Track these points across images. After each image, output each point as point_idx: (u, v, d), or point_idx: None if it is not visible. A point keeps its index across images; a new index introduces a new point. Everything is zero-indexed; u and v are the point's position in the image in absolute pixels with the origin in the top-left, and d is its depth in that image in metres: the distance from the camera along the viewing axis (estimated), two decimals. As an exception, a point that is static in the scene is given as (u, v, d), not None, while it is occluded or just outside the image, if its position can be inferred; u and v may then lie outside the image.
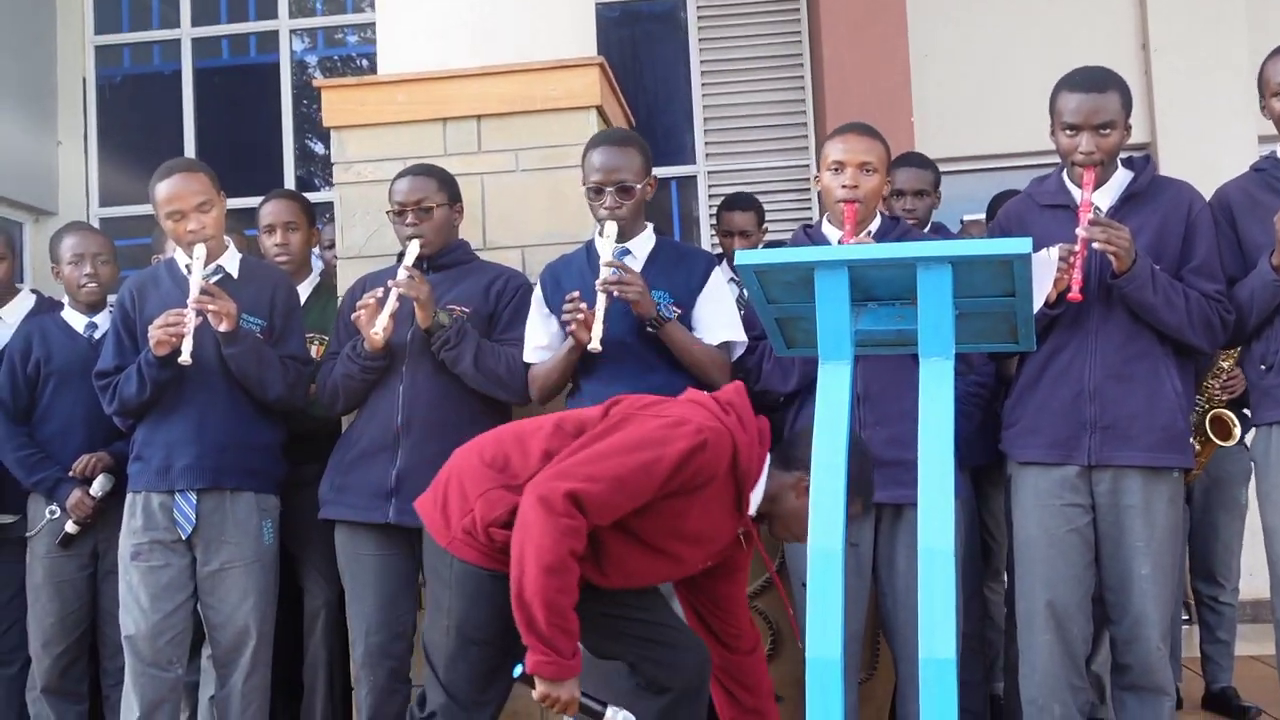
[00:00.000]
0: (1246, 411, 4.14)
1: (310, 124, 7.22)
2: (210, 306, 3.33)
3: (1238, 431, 3.76)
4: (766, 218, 5.04)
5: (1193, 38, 6.39)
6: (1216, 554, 4.31)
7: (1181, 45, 6.41)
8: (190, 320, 3.31)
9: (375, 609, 3.40)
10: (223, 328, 3.37)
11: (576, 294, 3.16)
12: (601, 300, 3.15)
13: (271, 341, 3.56)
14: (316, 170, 7.26)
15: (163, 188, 3.46)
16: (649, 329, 3.22)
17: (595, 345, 3.11)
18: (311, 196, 4.61)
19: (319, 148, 7.24)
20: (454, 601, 2.68)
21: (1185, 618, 4.76)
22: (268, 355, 3.48)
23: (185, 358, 3.28)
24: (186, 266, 3.45)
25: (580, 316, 3.13)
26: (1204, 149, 5.95)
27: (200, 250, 3.41)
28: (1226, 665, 4.40)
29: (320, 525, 3.60)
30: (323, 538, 3.64)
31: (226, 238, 3.64)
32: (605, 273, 3.15)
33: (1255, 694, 4.35)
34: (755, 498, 2.70)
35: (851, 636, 3.08)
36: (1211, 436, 3.71)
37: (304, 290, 4.18)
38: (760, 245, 4.77)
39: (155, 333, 3.33)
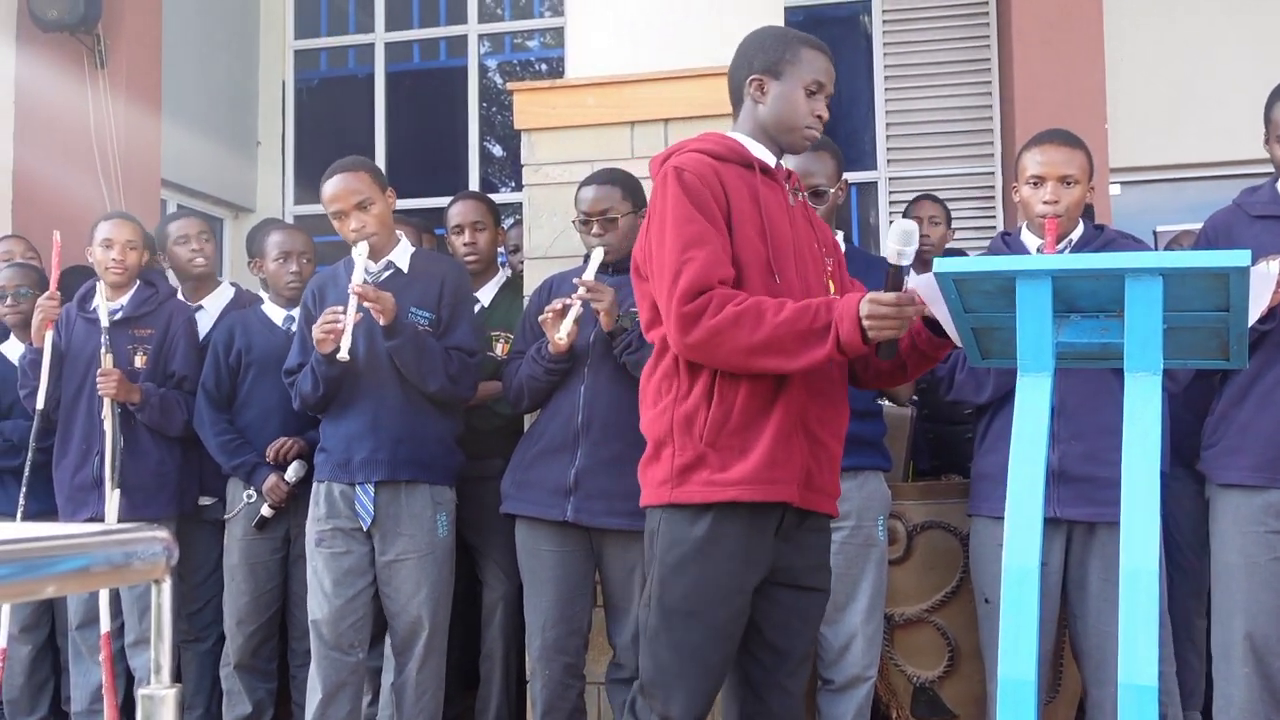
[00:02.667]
0: None
1: (491, 127, 7.37)
2: (366, 304, 3.42)
3: None
4: (952, 224, 5.01)
5: None
6: None
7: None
8: (350, 317, 3.40)
9: (552, 604, 3.44)
10: (382, 322, 3.45)
11: None
12: None
13: (438, 333, 3.62)
14: (494, 172, 7.41)
15: (327, 188, 3.58)
16: None
17: None
18: (500, 199, 4.70)
19: (497, 150, 7.39)
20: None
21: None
22: (429, 347, 3.54)
23: (344, 354, 3.37)
24: None
25: None
26: None
27: (362, 247, 3.51)
28: None
29: (500, 520, 3.67)
30: (503, 532, 3.70)
31: (399, 232, 3.74)
32: None
33: None
34: (756, 150, 2.56)
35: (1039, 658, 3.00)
36: None
37: (491, 289, 4.27)
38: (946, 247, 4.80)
39: (316, 332, 3.45)
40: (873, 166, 6.75)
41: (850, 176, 6.61)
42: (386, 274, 3.63)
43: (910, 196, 5.90)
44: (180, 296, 4.46)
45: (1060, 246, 3.09)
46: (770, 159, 2.58)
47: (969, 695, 3.43)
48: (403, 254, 3.70)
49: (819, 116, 2.57)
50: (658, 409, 2.46)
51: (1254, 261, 2.12)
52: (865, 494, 3.20)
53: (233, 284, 4.76)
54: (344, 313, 3.41)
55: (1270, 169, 3.08)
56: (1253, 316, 2.17)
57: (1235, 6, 6.28)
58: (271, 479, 3.97)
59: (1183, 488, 3.78)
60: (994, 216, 6.42)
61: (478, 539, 3.94)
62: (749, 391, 2.39)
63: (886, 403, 3.44)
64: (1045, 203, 3.06)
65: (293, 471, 3.96)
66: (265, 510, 3.99)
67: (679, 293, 2.33)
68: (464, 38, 7.38)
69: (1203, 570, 3.69)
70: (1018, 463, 2.12)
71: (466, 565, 3.91)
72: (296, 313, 4.15)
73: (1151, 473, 2.03)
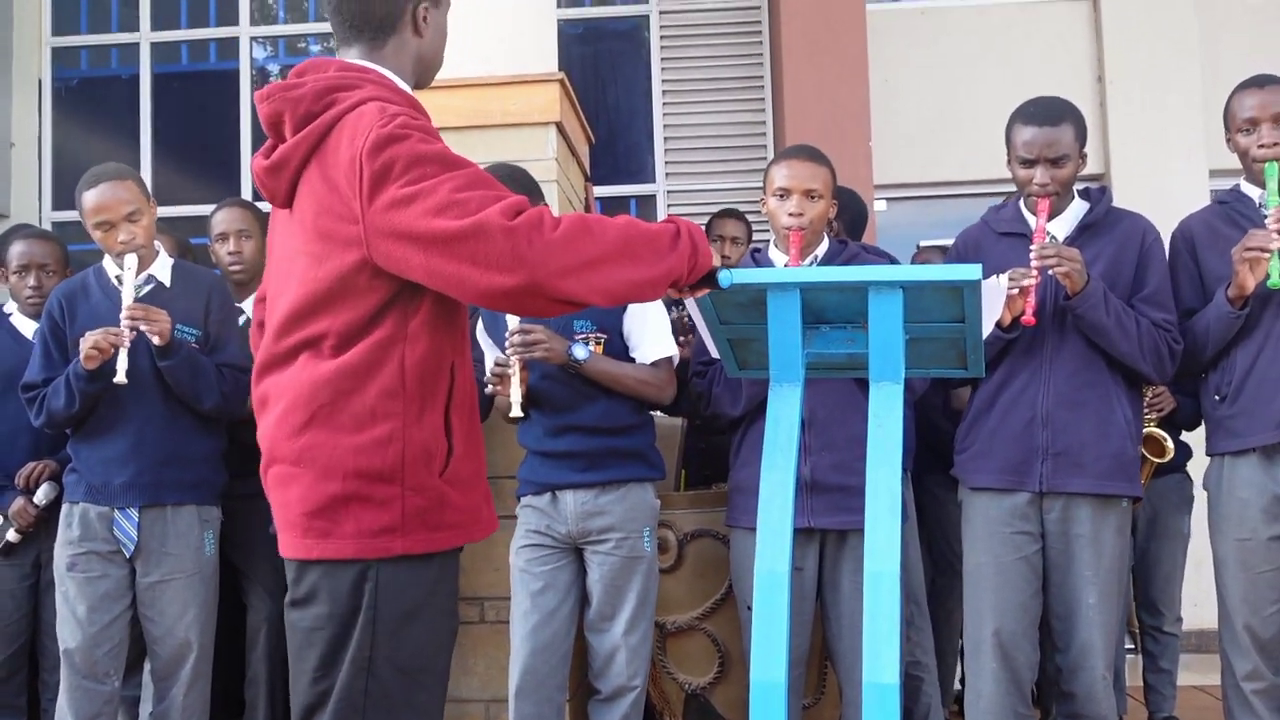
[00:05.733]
0: (1185, 439, 4.21)
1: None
2: (142, 326, 3.28)
3: (1171, 446, 3.79)
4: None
5: (1148, 72, 6.47)
6: (1158, 584, 4.33)
7: (1137, 78, 6.48)
8: (125, 337, 3.26)
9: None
10: (157, 341, 3.32)
11: (502, 357, 3.15)
12: (515, 367, 3.12)
13: (207, 349, 3.52)
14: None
15: (90, 197, 3.40)
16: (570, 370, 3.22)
17: (516, 413, 3.09)
18: (267, 207, 4.55)
19: (277, 157, 7.17)
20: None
21: (1130, 647, 4.79)
22: (202, 365, 3.45)
23: (121, 377, 3.23)
24: (117, 277, 3.40)
25: (499, 386, 3.11)
26: (1156, 181, 6.02)
27: (131, 260, 3.36)
28: (1169, 695, 4.41)
29: (267, 538, 3.53)
30: (268, 551, 3.57)
31: (157, 243, 3.60)
32: (513, 339, 3.12)
33: (1196, 726, 4.39)
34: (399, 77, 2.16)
35: (795, 660, 3.07)
36: (1146, 455, 3.74)
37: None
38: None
39: (86, 347, 3.27)
40: (651, 179, 6.84)
41: (628, 189, 6.76)
42: (148, 288, 3.49)
43: (688, 210, 6.01)
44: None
45: (806, 260, 3.19)
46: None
47: (739, 700, 3.47)
48: (163, 267, 3.57)
49: None
50: (372, 435, 1.97)
51: (988, 274, 2.24)
52: (627, 506, 3.23)
53: None
54: (120, 334, 3.25)
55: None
56: (986, 327, 2.28)
57: (991, 35, 6.65)
58: (19, 502, 3.75)
59: (946, 493, 3.97)
60: (769, 230, 6.57)
61: (242, 558, 3.81)
62: (471, 411, 2.12)
63: (657, 413, 3.48)
64: (790, 215, 3.15)
65: (42, 494, 3.75)
66: (11, 535, 3.77)
67: (500, 208, 1.86)
68: (235, 40, 7.15)
69: (954, 573, 3.86)
70: (768, 470, 2.18)
71: (230, 586, 3.77)
72: (45, 324, 3.96)
73: (894, 478, 2.11)
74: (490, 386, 3.14)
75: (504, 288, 1.85)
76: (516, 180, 2.94)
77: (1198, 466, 4.27)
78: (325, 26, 7.18)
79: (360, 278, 1.97)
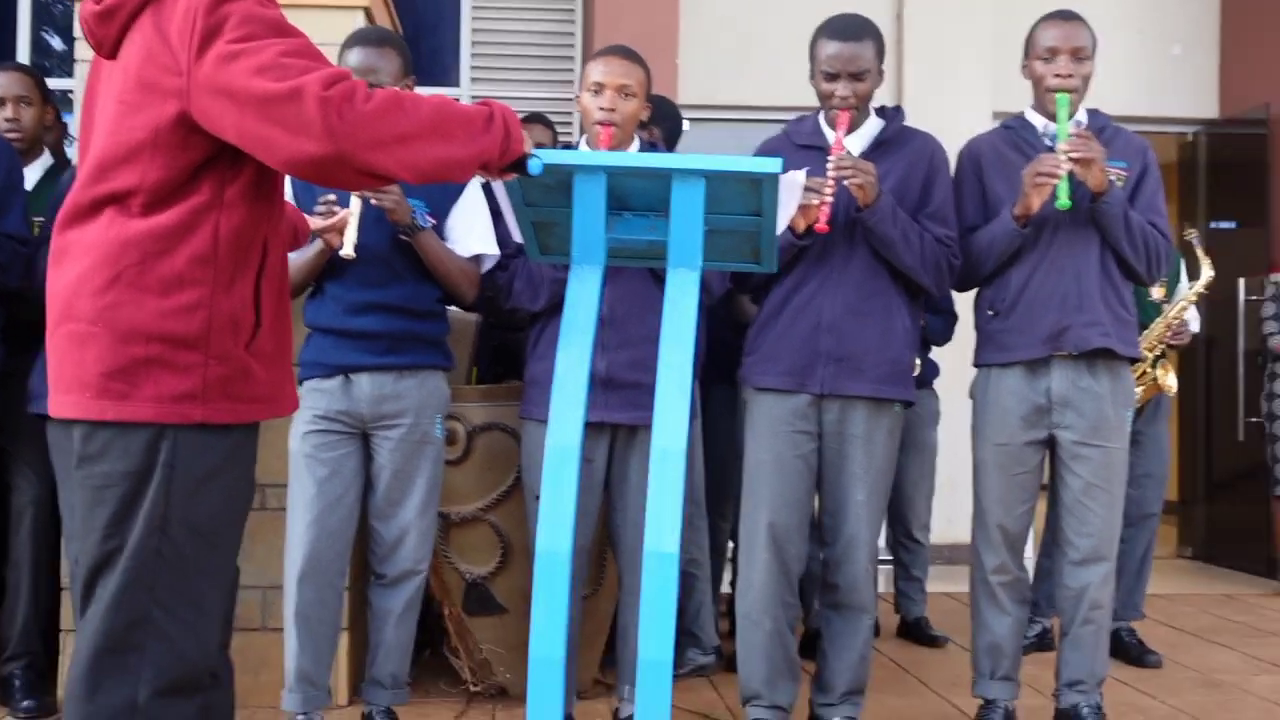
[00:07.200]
0: (933, 356, 4.47)
1: (50, 16, 6.76)
2: None
3: (918, 362, 4.02)
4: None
5: (941, 10, 6.69)
6: (906, 494, 4.56)
7: (931, 15, 6.70)
8: None
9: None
10: None
11: (332, 197, 3.10)
12: (356, 205, 3.10)
13: None
14: (54, 65, 6.80)
15: None
16: (402, 237, 3.19)
17: (348, 251, 3.06)
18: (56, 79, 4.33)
19: (56, 42, 6.81)
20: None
21: (884, 557, 5.07)
22: None
23: None
24: None
25: (334, 220, 3.07)
26: (944, 113, 6.22)
27: None
28: (920, 599, 4.70)
29: (33, 418, 3.42)
30: (35, 431, 3.45)
31: None
32: None
33: (944, 625, 4.69)
34: None
35: (579, 550, 3.14)
36: None
37: (35, 171, 3.95)
38: None
39: None
40: (456, 83, 6.77)
41: (434, 92, 6.64)
42: None
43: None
44: None
45: None
46: None
47: (519, 590, 3.54)
48: None
49: None
50: (178, 300, 1.92)
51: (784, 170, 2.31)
52: (425, 392, 3.24)
53: None
54: None
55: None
56: (781, 222, 2.37)
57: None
58: None
59: (723, 401, 4.11)
60: (572, 140, 6.59)
61: (7, 438, 3.66)
62: (280, 287, 2.10)
63: (452, 306, 3.48)
64: (602, 109, 3.18)
65: None
66: None
67: (320, 77, 1.84)
68: (15, -97, 6.70)
69: (728, 479, 4.02)
70: (564, 349, 2.22)
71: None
72: None
73: (685, 361, 2.18)
74: (318, 220, 3.06)
75: (311, 155, 1.85)
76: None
77: (943, 383, 4.58)
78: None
79: (176, 133, 1.92)
